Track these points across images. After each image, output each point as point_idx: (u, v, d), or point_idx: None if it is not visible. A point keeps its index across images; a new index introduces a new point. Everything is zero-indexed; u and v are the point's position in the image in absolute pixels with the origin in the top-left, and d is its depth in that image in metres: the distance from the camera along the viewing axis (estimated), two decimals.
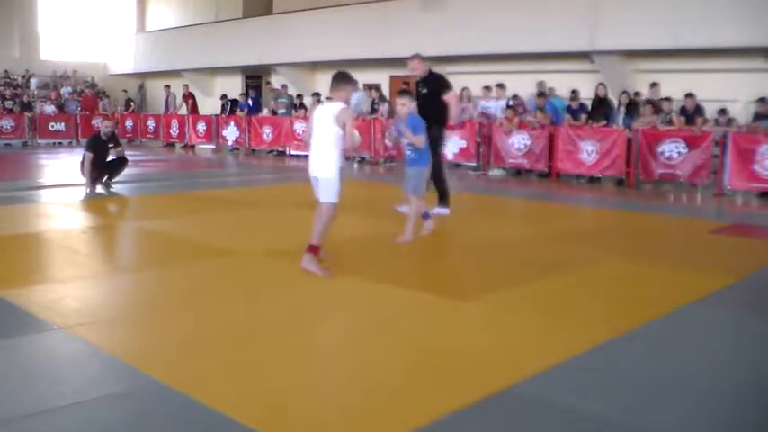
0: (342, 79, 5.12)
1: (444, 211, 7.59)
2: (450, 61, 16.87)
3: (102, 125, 10.16)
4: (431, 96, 7.46)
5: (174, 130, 20.02)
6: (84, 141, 16.18)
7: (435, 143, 7.19)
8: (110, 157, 9.99)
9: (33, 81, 23.46)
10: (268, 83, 20.13)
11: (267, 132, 17.32)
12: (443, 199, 7.68)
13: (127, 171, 10.48)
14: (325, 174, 5.03)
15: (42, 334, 3.76)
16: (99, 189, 9.67)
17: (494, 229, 7.23)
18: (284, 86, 18.90)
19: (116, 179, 10.21)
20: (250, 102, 18.80)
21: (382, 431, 2.74)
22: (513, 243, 6.04)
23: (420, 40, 16.28)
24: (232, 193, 10.21)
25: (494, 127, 13.16)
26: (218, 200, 9.29)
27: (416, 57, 7.66)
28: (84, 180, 9.55)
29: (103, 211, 8.41)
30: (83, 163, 9.68)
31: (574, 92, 13.04)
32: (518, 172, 12.98)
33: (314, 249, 5.00)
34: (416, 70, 7.66)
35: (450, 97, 7.51)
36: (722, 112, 11.54)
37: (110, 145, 9.84)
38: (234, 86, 21.89)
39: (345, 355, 3.54)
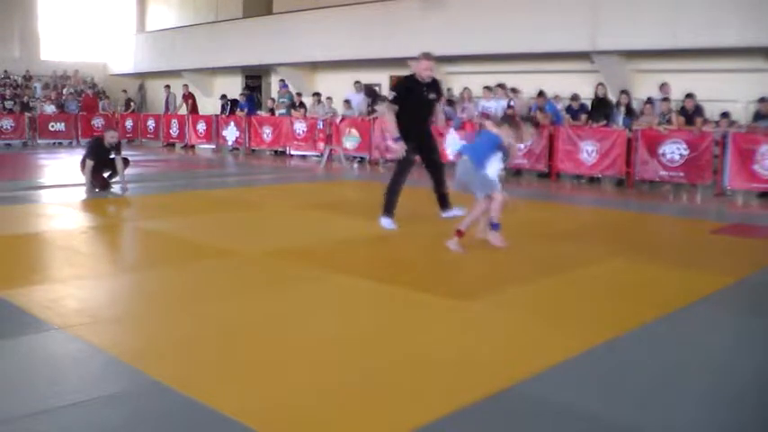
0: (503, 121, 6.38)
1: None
2: (451, 61, 16.87)
3: (106, 135, 9.80)
4: (434, 103, 7.10)
5: (174, 130, 20.01)
6: (84, 142, 16.21)
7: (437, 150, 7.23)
8: (111, 155, 9.94)
9: (37, 86, 23.36)
10: (281, 80, 19.94)
11: (267, 132, 17.32)
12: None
13: (127, 171, 10.44)
14: None
15: (42, 334, 3.76)
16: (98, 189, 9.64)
17: None
18: (285, 87, 18.87)
19: (115, 179, 10.18)
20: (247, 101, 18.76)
21: (382, 431, 2.74)
22: (513, 243, 6.03)
23: (420, 40, 16.25)
24: (232, 193, 10.20)
25: None
26: (218, 200, 9.29)
27: (430, 56, 6.84)
28: (83, 180, 9.54)
29: (103, 211, 8.41)
30: (83, 162, 9.64)
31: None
32: (518, 172, 12.98)
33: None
34: (430, 71, 6.88)
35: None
36: (725, 115, 11.47)
37: (111, 155, 9.67)
38: (234, 86, 21.88)
39: (345, 355, 3.53)
